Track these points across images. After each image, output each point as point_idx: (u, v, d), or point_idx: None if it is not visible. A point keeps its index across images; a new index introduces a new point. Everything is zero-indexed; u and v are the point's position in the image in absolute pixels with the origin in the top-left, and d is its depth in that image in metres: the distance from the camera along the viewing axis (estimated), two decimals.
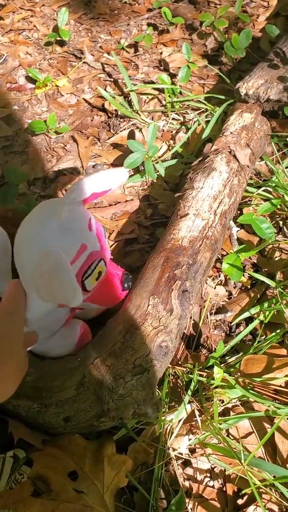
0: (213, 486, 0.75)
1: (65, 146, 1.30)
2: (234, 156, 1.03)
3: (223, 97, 1.31)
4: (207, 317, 0.94)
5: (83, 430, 0.74)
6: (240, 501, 0.73)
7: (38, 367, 0.77)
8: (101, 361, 0.71)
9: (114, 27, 1.69)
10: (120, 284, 0.80)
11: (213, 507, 0.72)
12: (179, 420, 0.78)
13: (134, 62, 1.55)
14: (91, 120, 1.36)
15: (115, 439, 0.76)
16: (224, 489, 0.74)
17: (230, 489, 0.74)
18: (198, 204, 0.92)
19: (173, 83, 1.40)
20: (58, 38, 1.57)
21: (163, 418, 0.77)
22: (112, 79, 1.48)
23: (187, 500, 0.72)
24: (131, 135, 1.29)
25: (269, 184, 1.11)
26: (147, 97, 1.41)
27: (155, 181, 1.20)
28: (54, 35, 1.56)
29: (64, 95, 1.45)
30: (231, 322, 0.94)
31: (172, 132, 1.32)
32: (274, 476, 0.71)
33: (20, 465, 0.71)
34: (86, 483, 0.68)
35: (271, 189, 1.11)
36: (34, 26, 1.69)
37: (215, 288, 0.99)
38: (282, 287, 0.91)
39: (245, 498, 0.73)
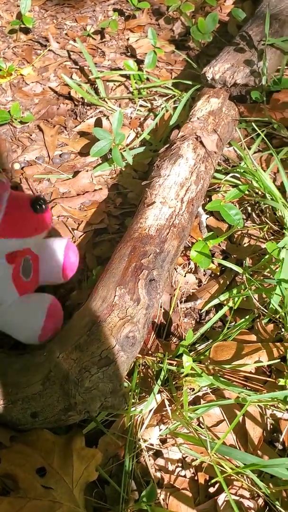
0: (184, 476, 0.74)
1: (31, 135, 1.27)
2: (201, 142, 1.02)
3: (190, 82, 1.30)
4: (177, 305, 0.94)
5: (51, 425, 0.73)
6: (211, 490, 0.72)
7: (3, 363, 0.76)
8: (66, 354, 0.70)
9: (79, 13, 1.66)
10: (30, 206, 0.76)
11: (185, 497, 0.72)
12: (149, 411, 0.77)
13: (101, 49, 1.52)
14: (57, 109, 1.33)
15: (84, 432, 0.75)
16: (196, 478, 0.74)
17: (201, 478, 0.73)
18: (165, 192, 0.90)
19: (140, 69, 1.38)
20: (22, 26, 1.54)
21: (133, 409, 0.77)
22: (78, 67, 1.45)
23: (158, 491, 0.72)
24: (98, 123, 1.27)
25: (237, 170, 1.10)
26: (114, 84, 1.38)
27: (123, 169, 1.18)
28: (17, 22, 1.52)
29: (29, 83, 1.42)
30: (201, 310, 0.93)
31: (140, 119, 1.30)
32: (244, 464, 0.70)
33: None
34: (54, 479, 0.67)
35: (239, 175, 1.10)
36: None
37: (185, 276, 0.98)
38: (250, 273, 0.91)
39: (216, 486, 0.72)
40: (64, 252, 0.85)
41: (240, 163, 1.14)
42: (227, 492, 0.63)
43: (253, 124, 1.12)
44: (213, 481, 0.69)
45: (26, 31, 1.58)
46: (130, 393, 0.77)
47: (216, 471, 0.65)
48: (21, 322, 0.77)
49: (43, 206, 0.75)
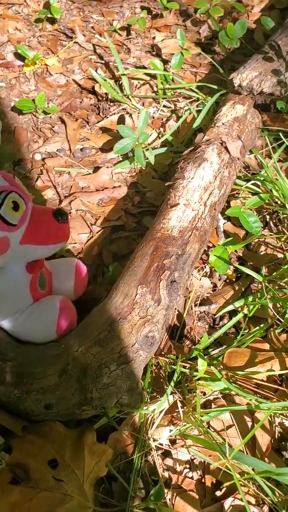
0: (192, 478, 0.75)
1: (53, 127, 1.27)
2: (226, 147, 1.02)
3: (215, 86, 1.30)
4: (192, 308, 0.94)
5: (64, 418, 0.73)
6: (218, 493, 0.73)
7: (19, 353, 0.76)
8: (85, 349, 0.70)
9: (106, 8, 1.66)
10: (53, 217, 0.76)
11: (191, 498, 0.72)
12: (161, 411, 0.77)
13: (126, 46, 1.52)
14: (80, 102, 1.33)
15: (95, 427, 0.75)
16: (203, 480, 0.74)
17: (208, 480, 0.74)
18: (189, 194, 0.91)
19: (165, 70, 1.38)
20: (49, 15, 1.53)
21: (145, 408, 0.77)
22: (103, 62, 1.45)
23: (166, 491, 0.72)
24: (121, 120, 1.27)
25: (258, 177, 1.11)
26: (139, 82, 1.38)
27: (143, 168, 1.18)
28: (45, 12, 1.52)
29: (53, 74, 1.42)
30: (215, 315, 0.94)
31: (162, 119, 1.30)
32: (253, 470, 0.71)
33: None
34: (66, 472, 0.67)
35: (259, 183, 1.10)
36: (25, 1, 1.64)
37: (200, 279, 0.99)
38: (267, 281, 0.92)
39: (223, 490, 0.73)
40: (75, 272, 0.88)
41: (260, 171, 1.14)
42: (243, 496, 0.64)
43: (280, 134, 1.13)
44: (225, 485, 0.69)
45: (52, 21, 1.58)
46: (144, 391, 0.77)
47: (233, 474, 0.66)
48: (36, 324, 0.78)
49: (65, 217, 0.77)
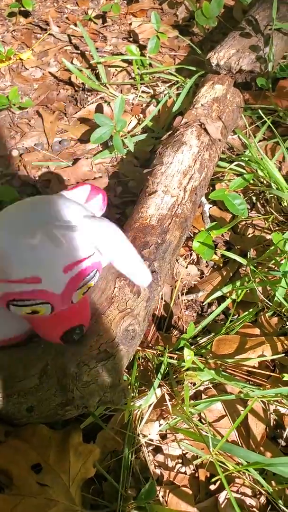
0: (185, 473, 0.72)
1: (30, 121, 1.24)
2: (205, 129, 0.99)
3: (194, 68, 1.26)
4: (179, 298, 0.91)
5: (48, 420, 0.70)
6: (212, 487, 0.70)
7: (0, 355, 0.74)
8: (64, 347, 0.67)
9: None
10: (59, 335, 0.63)
11: (185, 494, 0.70)
12: (149, 405, 0.75)
13: (102, 34, 1.48)
14: (57, 94, 1.30)
15: (82, 427, 0.72)
16: (196, 475, 0.72)
17: (202, 474, 0.71)
18: (167, 180, 0.87)
19: (143, 55, 1.34)
20: (22, 9, 1.49)
21: (132, 403, 0.74)
22: (79, 52, 1.42)
23: (158, 488, 0.70)
24: (99, 109, 1.24)
25: (242, 158, 1.07)
26: (116, 70, 1.35)
27: (124, 157, 1.15)
28: (17, 5, 1.48)
29: (28, 68, 1.38)
30: (203, 302, 0.91)
31: (142, 105, 1.27)
32: (247, 462, 0.68)
33: None
34: (50, 476, 0.65)
35: (244, 164, 1.07)
36: None
37: (186, 267, 0.96)
38: (254, 264, 0.88)
39: (217, 483, 0.70)
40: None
41: (244, 152, 1.11)
42: (228, 491, 0.61)
43: (259, 111, 1.09)
44: (214, 479, 0.67)
45: (25, 14, 1.54)
46: (129, 387, 0.75)
47: (217, 469, 0.63)
48: None
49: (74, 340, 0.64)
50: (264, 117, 1.08)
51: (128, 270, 0.65)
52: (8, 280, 0.53)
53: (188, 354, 0.74)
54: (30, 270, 0.53)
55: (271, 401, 0.76)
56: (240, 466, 0.68)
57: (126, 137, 1.11)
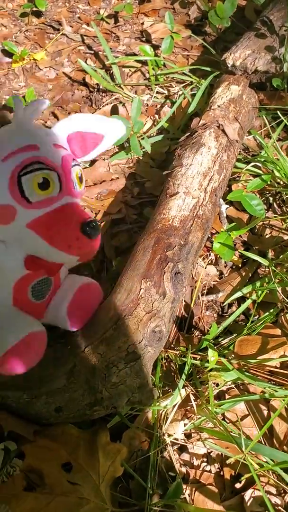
0: (210, 471, 0.73)
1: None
2: (223, 130, 0.99)
3: (208, 69, 1.27)
4: (199, 298, 0.92)
5: (75, 420, 0.71)
6: (238, 485, 0.71)
7: None
8: (92, 348, 0.68)
9: None
10: (78, 225, 0.60)
11: (211, 492, 0.71)
12: (174, 405, 0.76)
13: (115, 34, 1.49)
14: (72, 95, 1.31)
15: (109, 427, 0.73)
16: (222, 473, 0.73)
17: (227, 473, 0.73)
18: (188, 182, 0.88)
19: (156, 55, 1.35)
20: (34, 9, 1.50)
21: (157, 403, 0.75)
22: (92, 52, 1.42)
23: (184, 486, 0.71)
24: (115, 110, 1.24)
25: (258, 159, 1.08)
26: (130, 70, 1.35)
27: (141, 158, 1.16)
28: (29, 5, 1.49)
29: (42, 69, 1.39)
30: (223, 303, 0.92)
31: (156, 106, 1.27)
32: (272, 460, 0.69)
33: (11, 458, 0.69)
34: (81, 475, 0.66)
35: (260, 165, 1.07)
36: None
37: (205, 268, 0.96)
38: (274, 265, 0.89)
39: (243, 481, 0.71)
40: (75, 291, 0.73)
41: (260, 152, 1.11)
42: (260, 488, 0.62)
43: (278, 112, 1.09)
44: (244, 477, 0.68)
45: (38, 14, 1.54)
46: (155, 387, 0.76)
47: (251, 468, 0.64)
48: None
49: (92, 232, 0.60)
50: (281, 116, 1.08)
51: (100, 130, 0.70)
52: (11, 152, 0.59)
53: (212, 355, 0.75)
54: (27, 140, 0.60)
55: None
56: (268, 465, 0.69)
57: (143, 138, 1.12)
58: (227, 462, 0.72)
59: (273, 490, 0.71)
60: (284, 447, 0.74)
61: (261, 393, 0.76)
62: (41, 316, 0.72)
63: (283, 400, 0.74)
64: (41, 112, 0.67)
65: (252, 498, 0.70)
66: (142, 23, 1.51)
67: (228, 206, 1.05)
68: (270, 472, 0.71)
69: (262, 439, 0.75)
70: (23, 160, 0.58)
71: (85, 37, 1.46)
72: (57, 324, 0.73)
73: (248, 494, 0.70)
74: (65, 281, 0.75)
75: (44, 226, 0.60)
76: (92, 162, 1.15)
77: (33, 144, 0.60)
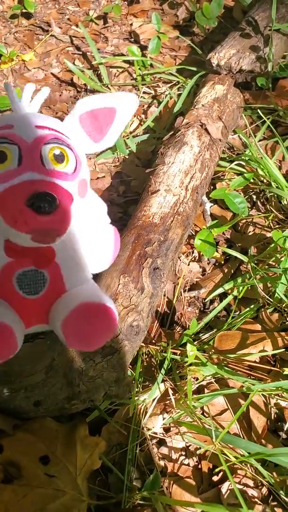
0: (188, 464, 0.74)
1: None
2: (206, 129, 1.00)
3: (195, 68, 1.28)
4: (181, 294, 0.93)
5: (54, 413, 0.72)
6: (215, 478, 0.72)
7: None
8: None
9: None
10: (22, 197, 0.50)
11: (189, 485, 0.71)
12: (153, 400, 0.76)
13: (103, 35, 1.50)
14: (60, 95, 1.32)
15: (87, 420, 0.74)
16: (199, 466, 0.74)
17: (205, 466, 0.73)
18: (169, 180, 0.89)
19: (144, 55, 1.36)
20: (24, 10, 1.51)
21: (136, 398, 0.76)
22: (80, 52, 1.43)
23: (162, 479, 0.71)
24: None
25: (242, 157, 1.09)
26: (117, 70, 1.36)
27: (127, 157, 1.17)
28: (19, 7, 1.50)
29: (31, 69, 1.40)
30: (205, 299, 0.92)
31: (143, 106, 1.28)
32: (248, 453, 0.70)
33: None
34: (57, 467, 0.67)
35: (244, 163, 1.09)
36: None
37: (188, 264, 0.97)
38: (255, 261, 0.90)
39: (220, 474, 0.72)
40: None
41: (245, 151, 1.12)
42: (232, 481, 0.63)
43: (258, 111, 1.10)
44: (217, 470, 0.69)
45: (27, 16, 1.56)
46: (133, 382, 0.77)
47: (220, 459, 0.65)
48: None
49: (42, 207, 0.50)
50: (263, 117, 1.09)
51: (109, 103, 0.63)
52: None
53: (191, 349, 0.76)
54: (5, 121, 0.56)
55: (272, 395, 0.78)
56: (241, 457, 0.69)
57: (128, 138, 1.13)
58: (198, 452, 0.73)
59: (250, 483, 0.72)
60: (263, 440, 0.75)
61: (240, 387, 0.77)
62: (41, 320, 0.62)
63: (256, 390, 0.74)
64: (41, 99, 0.64)
65: (229, 491, 0.70)
66: (131, 24, 1.52)
67: (212, 204, 1.06)
68: (248, 465, 0.72)
69: (241, 433, 0.76)
70: None
71: (74, 38, 1.48)
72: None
73: (225, 487, 0.71)
74: (76, 289, 0.62)
75: (1, 202, 0.53)
76: None
77: (8, 124, 0.56)
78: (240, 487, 0.71)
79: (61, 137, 0.58)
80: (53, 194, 0.51)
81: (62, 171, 0.57)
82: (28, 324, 0.60)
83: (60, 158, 0.57)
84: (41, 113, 0.61)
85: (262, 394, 0.78)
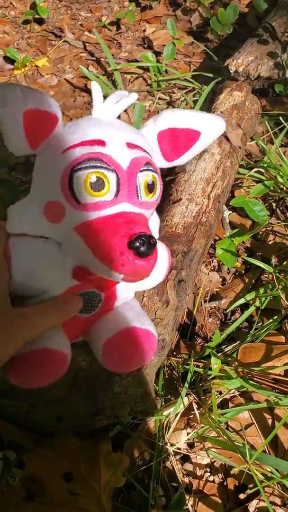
0: (213, 481, 0.72)
1: None
2: (226, 137, 0.99)
3: (210, 75, 1.26)
4: (201, 305, 0.91)
5: (77, 429, 0.70)
6: (242, 496, 0.70)
7: None
8: (94, 358, 0.67)
9: (94, 3, 1.62)
10: (125, 238, 0.49)
11: (214, 503, 0.70)
12: (177, 414, 0.75)
13: (117, 41, 1.49)
14: (74, 101, 1.31)
15: (110, 436, 0.72)
16: (225, 483, 0.72)
17: (231, 483, 0.71)
18: (191, 188, 0.88)
19: (158, 62, 1.35)
20: (37, 16, 1.51)
21: (160, 412, 0.74)
22: (94, 58, 1.42)
23: (187, 497, 0.69)
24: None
25: (261, 164, 1.07)
26: (132, 77, 1.35)
27: None
28: (31, 13, 1.49)
29: (44, 75, 1.39)
30: (226, 309, 0.91)
31: (158, 112, 1.26)
32: (276, 470, 0.68)
33: (11, 468, 0.67)
34: (81, 485, 0.65)
35: (263, 170, 1.07)
36: (11, 3, 1.61)
37: (208, 274, 0.96)
38: (277, 271, 0.88)
39: (247, 492, 0.70)
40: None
41: (263, 158, 1.11)
42: (265, 499, 0.61)
43: (280, 118, 1.09)
44: (251, 491, 0.67)
45: (40, 21, 1.55)
46: (157, 396, 0.75)
47: (256, 480, 0.63)
48: None
49: (144, 253, 0.48)
50: (283, 122, 1.08)
51: (196, 125, 0.59)
52: (73, 144, 0.51)
53: (215, 362, 0.74)
54: (96, 133, 0.51)
55: None
56: (276, 477, 0.67)
57: None
58: (231, 472, 0.70)
59: (278, 501, 0.70)
60: None
61: (265, 402, 0.75)
62: (83, 334, 0.63)
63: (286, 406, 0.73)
64: (125, 105, 0.58)
65: (256, 509, 0.69)
66: (144, 30, 1.51)
67: (230, 212, 1.04)
68: (275, 483, 0.70)
69: (266, 448, 0.74)
70: (81, 155, 0.50)
71: (87, 44, 1.47)
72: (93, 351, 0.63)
73: (252, 505, 0.69)
74: (122, 309, 0.63)
75: (92, 232, 0.51)
76: None
77: (100, 139, 0.51)
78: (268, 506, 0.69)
79: (151, 160, 0.55)
80: (153, 237, 0.50)
81: (151, 201, 0.55)
82: (71, 339, 0.60)
83: (151, 188, 0.54)
84: (123, 122, 0.57)
85: (287, 409, 0.76)
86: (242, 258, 0.95)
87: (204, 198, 0.86)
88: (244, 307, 0.90)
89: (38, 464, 0.67)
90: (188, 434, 0.74)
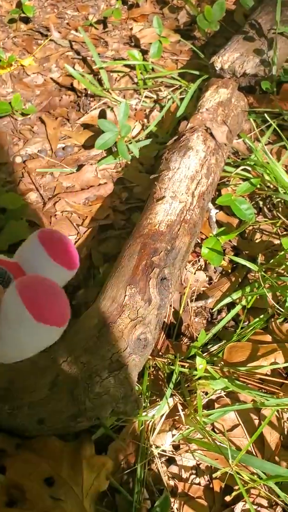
0: (199, 484, 0.71)
1: (32, 128, 1.23)
2: (211, 134, 0.98)
3: (197, 72, 1.26)
4: (188, 304, 0.90)
5: (59, 431, 0.69)
6: (228, 498, 0.69)
7: (9, 366, 0.72)
8: (75, 358, 0.66)
9: (81, 2, 1.61)
10: None
11: (200, 506, 0.68)
12: (161, 415, 0.73)
13: (103, 39, 1.47)
14: (60, 100, 1.29)
15: (94, 439, 0.71)
16: (211, 486, 0.70)
17: (217, 485, 0.70)
18: (175, 186, 0.86)
19: (144, 60, 1.34)
20: (22, 15, 1.49)
21: (144, 413, 0.73)
22: (80, 57, 1.41)
23: (172, 500, 0.68)
24: (102, 115, 1.23)
25: (248, 162, 1.06)
26: (118, 75, 1.34)
27: (129, 162, 1.14)
28: (17, 11, 1.48)
29: (30, 75, 1.37)
30: (212, 309, 0.89)
31: (145, 110, 1.26)
32: (263, 472, 0.67)
33: None
34: (63, 489, 0.64)
35: (249, 168, 1.06)
36: None
37: (195, 273, 0.94)
38: (264, 270, 0.87)
39: (233, 494, 0.69)
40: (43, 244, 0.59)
41: (250, 156, 1.10)
42: (248, 502, 0.60)
43: (265, 115, 1.08)
44: (235, 493, 0.65)
45: (26, 20, 1.53)
46: (141, 397, 0.73)
47: (238, 482, 0.62)
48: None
49: None
50: (269, 120, 1.07)
51: None
52: None
53: (200, 363, 0.73)
54: None
55: (285, 410, 0.75)
56: (260, 479, 0.66)
57: (130, 143, 1.10)
58: (214, 476, 0.69)
59: (265, 503, 0.69)
60: (276, 457, 0.72)
61: (252, 402, 0.74)
62: None
63: (273, 408, 0.72)
64: None
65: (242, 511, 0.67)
66: (131, 29, 1.50)
67: (217, 210, 1.03)
68: (261, 484, 0.69)
69: (253, 449, 0.73)
70: None
71: (73, 43, 1.45)
72: None
73: (238, 508, 0.68)
74: None
75: None
76: (79, 166, 1.13)
77: None
78: (254, 507, 0.68)
79: None
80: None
81: None
82: None
83: None
84: None
85: (273, 409, 0.75)
86: (229, 257, 0.94)
87: (188, 196, 0.85)
88: (231, 306, 0.89)
89: (20, 468, 0.65)
90: (173, 436, 0.73)
